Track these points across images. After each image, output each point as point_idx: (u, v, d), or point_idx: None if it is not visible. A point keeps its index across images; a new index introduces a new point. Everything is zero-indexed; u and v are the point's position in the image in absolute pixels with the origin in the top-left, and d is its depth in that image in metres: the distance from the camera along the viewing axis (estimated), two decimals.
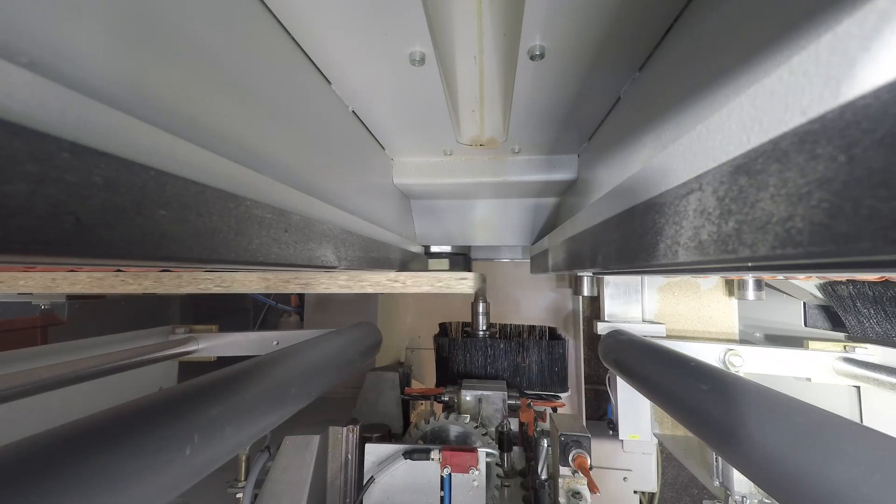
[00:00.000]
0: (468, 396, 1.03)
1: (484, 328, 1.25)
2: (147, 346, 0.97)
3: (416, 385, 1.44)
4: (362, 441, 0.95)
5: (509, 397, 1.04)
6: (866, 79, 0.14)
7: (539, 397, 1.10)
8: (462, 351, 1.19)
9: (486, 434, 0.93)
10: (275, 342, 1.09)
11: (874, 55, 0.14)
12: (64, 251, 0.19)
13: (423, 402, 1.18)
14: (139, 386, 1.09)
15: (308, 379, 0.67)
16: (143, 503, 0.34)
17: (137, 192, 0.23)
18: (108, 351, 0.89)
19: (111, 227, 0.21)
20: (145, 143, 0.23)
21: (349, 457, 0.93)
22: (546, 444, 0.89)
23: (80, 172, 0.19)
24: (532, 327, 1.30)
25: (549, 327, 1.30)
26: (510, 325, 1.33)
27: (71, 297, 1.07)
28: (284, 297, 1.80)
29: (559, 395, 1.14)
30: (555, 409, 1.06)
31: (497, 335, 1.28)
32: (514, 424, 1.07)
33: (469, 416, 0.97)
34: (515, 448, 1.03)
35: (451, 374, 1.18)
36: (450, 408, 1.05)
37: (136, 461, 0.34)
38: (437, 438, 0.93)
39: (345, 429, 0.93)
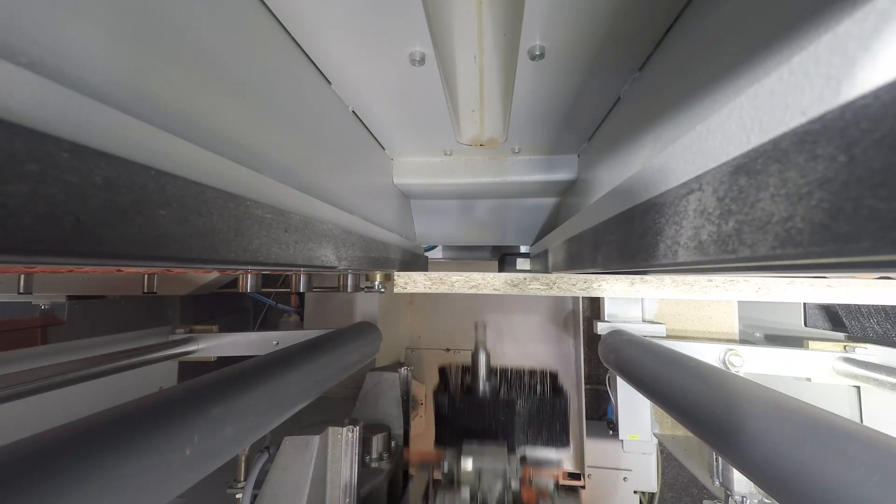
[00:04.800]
0: (468, 466, 1.02)
1: (485, 379, 1.25)
2: (147, 346, 0.97)
3: (416, 385, 1.44)
4: (363, 441, 0.95)
5: (509, 461, 1.03)
6: (866, 79, 0.14)
7: (540, 463, 1.10)
8: (462, 411, 1.21)
9: None
10: (275, 342, 1.09)
11: (874, 55, 0.14)
12: (64, 251, 0.19)
13: (418, 471, 1.18)
14: (139, 386, 1.09)
15: (308, 379, 0.67)
16: (143, 503, 0.34)
17: (137, 192, 0.23)
18: (108, 351, 0.89)
19: (111, 227, 0.21)
20: (145, 143, 0.23)
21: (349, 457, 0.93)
22: None
23: (80, 172, 0.19)
24: (533, 372, 1.31)
25: (550, 374, 1.30)
26: (510, 369, 1.33)
27: (71, 297, 1.07)
28: (284, 297, 1.79)
29: (562, 454, 1.16)
30: (557, 483, 1.06)
31: (498, 386, 1.28)
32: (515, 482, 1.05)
33: (469, 487, 0.96)
34: None
35: (450, 434, 1.19)
36: (450, 481, 1.04)
37: (136, 461, 0.34)
38: None
39: (345, 429, 0.93)
